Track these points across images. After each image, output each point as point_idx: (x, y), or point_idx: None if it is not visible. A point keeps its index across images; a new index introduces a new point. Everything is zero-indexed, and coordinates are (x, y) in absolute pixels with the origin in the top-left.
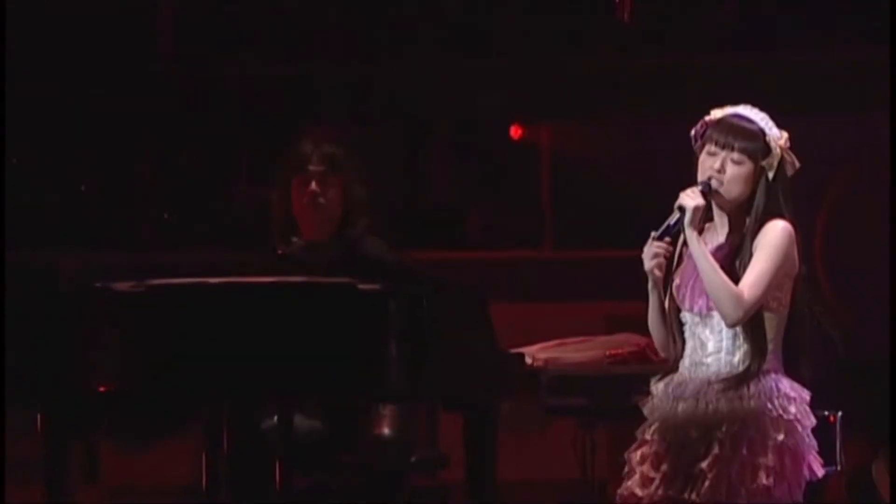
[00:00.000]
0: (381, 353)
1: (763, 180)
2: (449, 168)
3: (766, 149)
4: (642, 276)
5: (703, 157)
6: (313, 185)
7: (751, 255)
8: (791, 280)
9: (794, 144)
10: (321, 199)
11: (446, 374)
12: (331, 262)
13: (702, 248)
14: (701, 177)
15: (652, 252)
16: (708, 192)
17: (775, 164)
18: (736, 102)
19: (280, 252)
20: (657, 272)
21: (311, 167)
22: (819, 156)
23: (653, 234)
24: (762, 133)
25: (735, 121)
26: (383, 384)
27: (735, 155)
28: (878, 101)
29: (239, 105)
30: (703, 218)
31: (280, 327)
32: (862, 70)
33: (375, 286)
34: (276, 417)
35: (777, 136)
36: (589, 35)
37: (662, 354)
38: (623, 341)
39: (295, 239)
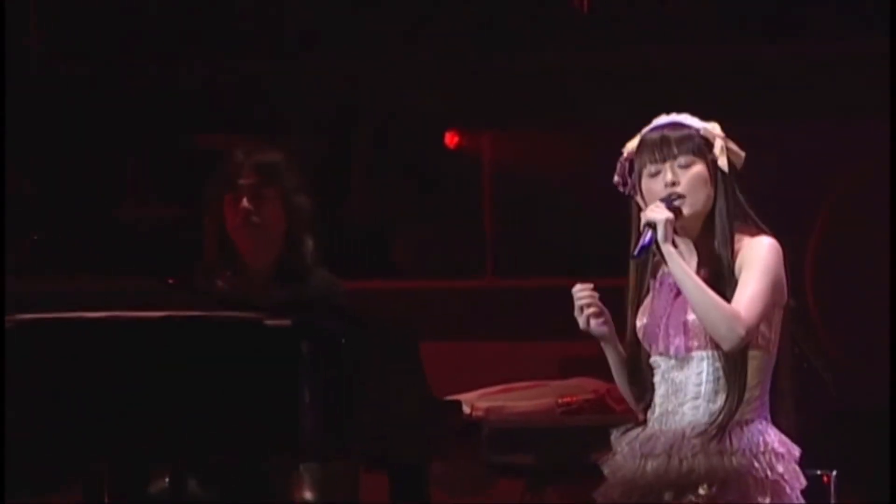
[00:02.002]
0: (291, 403)
1: (720, 179)
2: (373, 182)
3: (707, 143)
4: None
5: (647, 186)
6: (245, 201)
7: (732, 275)
8: (780, 311)
9: (780, 151)
10: (255, 218)
11: (369, 427)
12: (267, 302)
13: (683, 266)
14: (653, 202)
15: (577, 306)
16: (672, 208)
17: (723, 154)
18: (708, 104)
19: (171, 281)
20: (598, 326)
21: (242, 181)
22: (807, 167)
23: (632, 253)
24: (695, 129)
25: (660, 132)
26: (294, 440)
27: (681, 159)
28: (876, 103)
29: (125, 112)
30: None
31: (170, 371)
32: (853, 67)
33: (285, 322)
34: (167, 480)
35: (710, 127)
36: (537, 29)
37: (637, 411)
38: (579, 387)
39: (227, 271)
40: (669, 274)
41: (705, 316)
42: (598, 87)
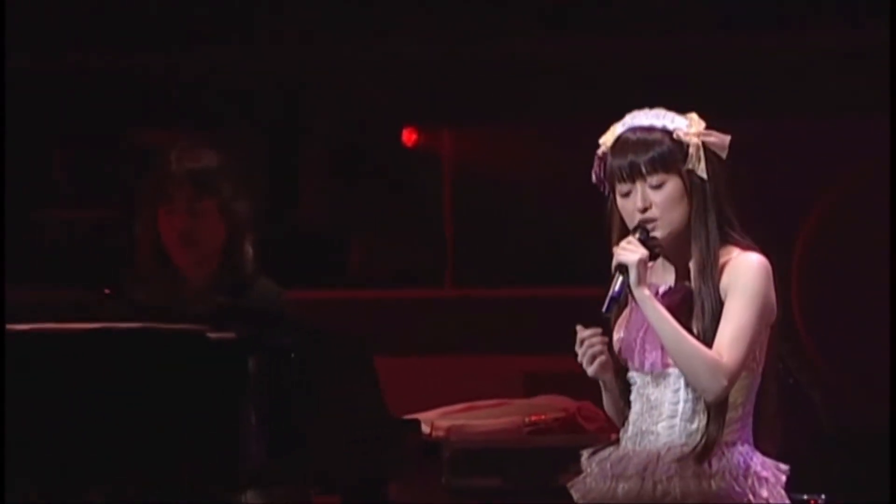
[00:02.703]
0: (235, 424)
1: (698, 188)
2: (324, 184)
3: (680, 148)
4: (570, 328)
5: (620, 203)
6: (180, 218)
7: (713, 295)
8: (768, 329)
9: (763, 150)
10: (192, 235)
11: (321, 449)
12: (206, 312)
13: (660, 310)
14: (629, 223)
15: (589, 354)
16: (647, 240)
17: (701, 159)
18: (684, 98)
19: (108, 291)
20: (604, 375)
21: (176, 193)
22: (794, 167)
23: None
24: (666, 133)
25: (629, 136)
26: (238, 463)
27: (653, 179)
28: (874, 98)
29: (48, 106)
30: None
31: (102, 388)
32: (845, 60)
33: (229, 335)
34: None
35: (684, 127)
36: (502, 16)
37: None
38: (547, 405)
39: (162, 281)
40: (652, 286)
41: (685, 365)
42: (569, 80)
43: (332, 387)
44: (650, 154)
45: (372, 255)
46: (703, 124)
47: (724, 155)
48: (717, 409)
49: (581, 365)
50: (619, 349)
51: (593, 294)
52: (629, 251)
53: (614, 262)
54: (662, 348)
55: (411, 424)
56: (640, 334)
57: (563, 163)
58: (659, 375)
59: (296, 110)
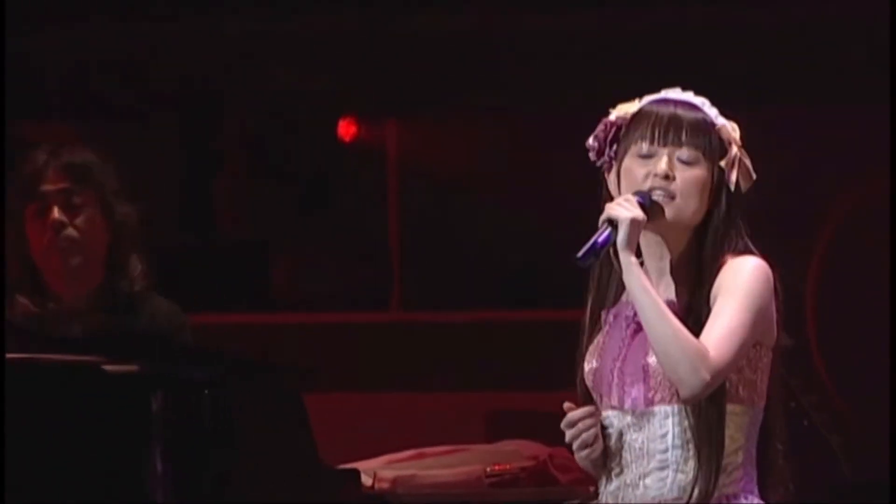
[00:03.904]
0: (137, 471)
1: (723, 191)
2: (245, 188)
3: (720, 146)
4: (541, 358)
5: (629, 165)
6: (54, 212)
7: (707, 306)
8: (768, 352)
9: (773, 144)
10: (69, 232)
11: (240, 501)
12: (88, 335)
13: (643, 282)
14: (633, 188)
15: (581, 440)
16: (647, 208)
17: (736, 166)
18: (664, 85)
19: None
20: (593, 461)
21: (48, 186)
22: (808, 165)
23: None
24: (711, 124)
25: (672, 108)
26: None
27: (685, 152)
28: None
29: None
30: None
31: None
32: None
33: (131, 368)
34: None
35: (730, 128)
36: None
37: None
38: (513, 452)
39: (35, 301)
40: (629, 304)
41: (664, 350)
42: (536, 62)
43: (252, 429)
44: (693, 134)
45: (300, 271)
46: (740, 141)
47: (744, 188)
48: (710, 453)
49: (569, 446)
50: (592, 382)
51: (568, 318)
52: (624, 206)
53: (602, 216)
54: (646, 381)
55: (349, 475)
56: (619, 364)
57: (533, 160)
58: (642, 416)
59: (208, 100)
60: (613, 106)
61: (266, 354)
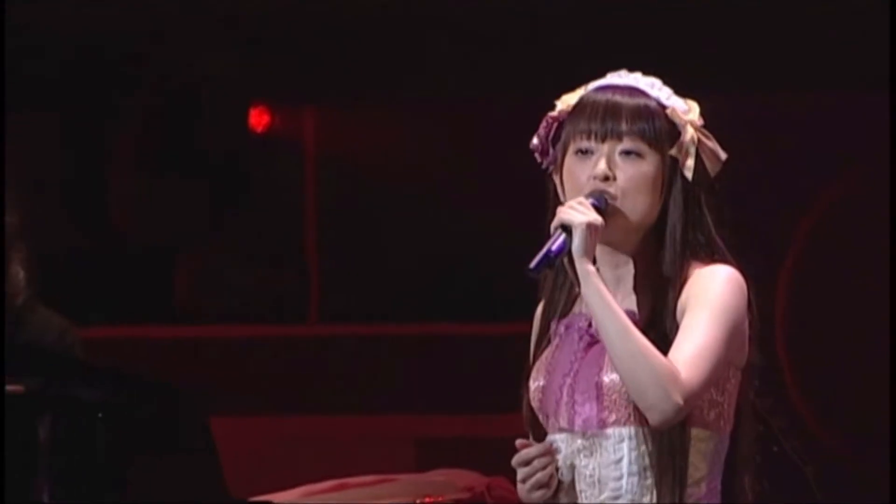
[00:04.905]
0: (24, 500)
1: (677, 183)
2: (142, 183)
3: (672, 130)
4: (480, 376)
5: (570, 166)
6: None
7: (674, 320)
8: (737, 373)
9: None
10: None
11: None
12: None
13: (604, 294)
14: (578, 193)
15: (535, 480)
16: (603, 210)
17: (691, 152)
18: (647, 68)
19: None
20: (550, 499)
21: None
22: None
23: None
24: (660, 106)
25: (611, 95)
26: None
27: (627, 144)
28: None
29: None
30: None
31: None
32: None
33: (16, 388)
34: None
35: (683, 109)
36: None
37: None
38: (445, 482)
39: None
40: (582, 315)
41: (629, 371)
42: (474, 44)
43: (152, 456)
44: (635, 121)
45: (205, 278)
46: (701, 120)
47: (712, 169)
48: (671, 482)
49: (522, 488)
50: (539, 402)
51: (511, 331)
52: (578, 211)
53: (555, 222)
54: (599, 399)
55: None
56: (569, 381)
57: (469, 153)
58: (594, 439)
59: (102, 84)
60: (557, 95)
61: (167, 373)
